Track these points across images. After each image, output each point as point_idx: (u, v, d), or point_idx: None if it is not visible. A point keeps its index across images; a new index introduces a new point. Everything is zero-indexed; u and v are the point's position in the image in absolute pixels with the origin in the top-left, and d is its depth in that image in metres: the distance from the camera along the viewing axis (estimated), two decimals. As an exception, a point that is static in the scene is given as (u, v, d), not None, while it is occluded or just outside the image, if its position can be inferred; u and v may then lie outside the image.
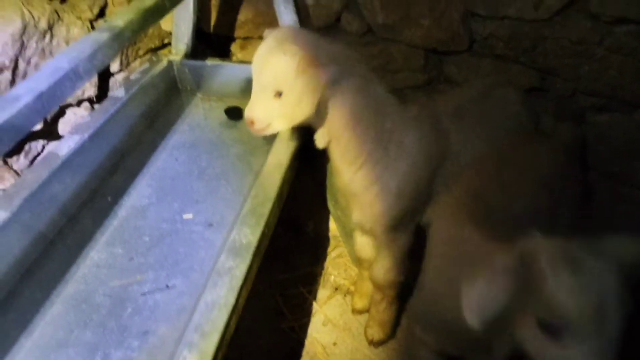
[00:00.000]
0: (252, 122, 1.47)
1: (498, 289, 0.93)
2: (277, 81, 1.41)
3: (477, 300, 0.94)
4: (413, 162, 1.60)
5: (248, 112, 1.47)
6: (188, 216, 1.56)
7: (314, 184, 2.27)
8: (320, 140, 1.56)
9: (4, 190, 1.40)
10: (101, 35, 1.20)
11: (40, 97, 1.01)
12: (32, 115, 1.00)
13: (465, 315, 0.94)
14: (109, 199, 1.60)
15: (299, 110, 1.45)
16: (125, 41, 1.27)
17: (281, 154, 1.57)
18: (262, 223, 1.36)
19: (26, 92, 1.01)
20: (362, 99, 1.49)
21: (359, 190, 1.65)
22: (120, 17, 1.27)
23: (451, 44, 2.15)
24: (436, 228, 1.40)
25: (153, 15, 1.37)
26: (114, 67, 2.18)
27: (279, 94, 1.43)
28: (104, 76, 2.17)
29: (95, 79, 2.03)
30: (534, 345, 0.95)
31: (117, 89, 1.86)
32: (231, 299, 1.16)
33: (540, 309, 0.92)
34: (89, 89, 2.05)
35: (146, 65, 1.99)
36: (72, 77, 1.10)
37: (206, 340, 1.08)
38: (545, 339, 0.92)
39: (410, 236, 1.76)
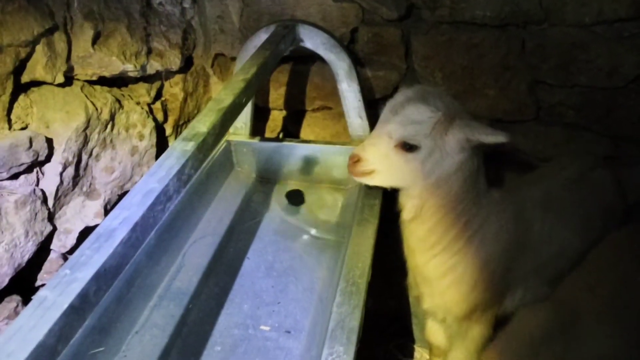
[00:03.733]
0: (358, 161, 1.38)
1: None
2: (409, 132, 1.31)
3: None
4: (490, 255, 1.50)
5: (357, 150, 1.38)
6: (265, 328, 1.44)
7: (381, 259, 2.15)
8: (408, 212, 1.45)
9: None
10: (186, 145, 1.12)
11: (135, 229, 0.92)
12: (128, 252, 0.90)
13: None
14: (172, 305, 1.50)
15: (422, 170, 1.34)
16: (210, 149, 1.19)
17: (362, 252, 1.44)
18: (354, 338, 1.22)
19: (120, 224, 0.92)
20: (469, 181, 1.40)
21: (432, 277, 1.55)
22: (201, 122, 1.19)
23: (517, 114, 2.06)
24: None
25: (232, 115, 1.29)
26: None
27: (403, 146, 1.33)
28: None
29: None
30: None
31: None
32: None
33: None
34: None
35: (205, 147, 1.91)
36: (163, 199, 1.01)
37: None
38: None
39: (486, 328, 1.64)
